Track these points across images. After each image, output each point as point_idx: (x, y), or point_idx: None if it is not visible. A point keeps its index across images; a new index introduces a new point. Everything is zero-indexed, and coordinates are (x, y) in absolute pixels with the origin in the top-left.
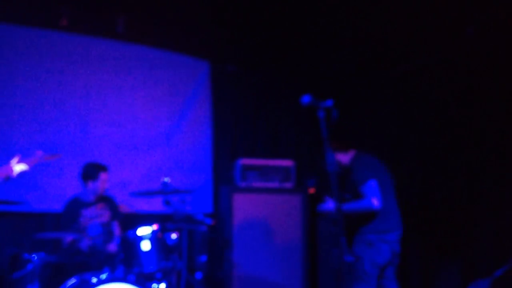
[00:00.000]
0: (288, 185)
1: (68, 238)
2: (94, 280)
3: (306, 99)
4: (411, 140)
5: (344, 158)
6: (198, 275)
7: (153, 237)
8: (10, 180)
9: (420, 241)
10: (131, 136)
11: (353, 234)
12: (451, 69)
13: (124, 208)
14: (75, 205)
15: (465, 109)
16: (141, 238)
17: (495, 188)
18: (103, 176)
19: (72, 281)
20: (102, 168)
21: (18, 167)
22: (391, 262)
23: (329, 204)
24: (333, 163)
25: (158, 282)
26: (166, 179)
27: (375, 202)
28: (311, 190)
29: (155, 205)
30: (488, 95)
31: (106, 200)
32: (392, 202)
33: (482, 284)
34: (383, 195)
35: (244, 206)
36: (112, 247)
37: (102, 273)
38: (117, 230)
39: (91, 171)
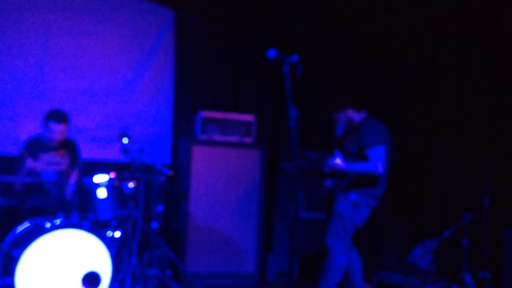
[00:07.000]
0: (248, 139)
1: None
2: (48, 225)
3: (271, 53)
4: (368, 100)
5: (355, 116)
6: (154, 225)
7: (109, 185)
8: None
9: None
10: (90, 83)
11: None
12: (417, 28)
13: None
14: (35, 146)
15: (425, 69)
16: (97, 185)
17: (445, 151)
18: (53, 126)
19: (26, 224)
20: (53, 117)
21: None
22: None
23: (337, 160)
24: (295, 119)
25: (113, 230)
26: (124, 140)
27: (380, 167)
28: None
29: (113, 153)
30: (446, 62)
31: (68, 146)
32: (387, 171)
33: (431, 244)
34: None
35: (203, 159)
36: (68, 195)
37: (56, 218)
38: (73, 178)
39: (44, 118)
